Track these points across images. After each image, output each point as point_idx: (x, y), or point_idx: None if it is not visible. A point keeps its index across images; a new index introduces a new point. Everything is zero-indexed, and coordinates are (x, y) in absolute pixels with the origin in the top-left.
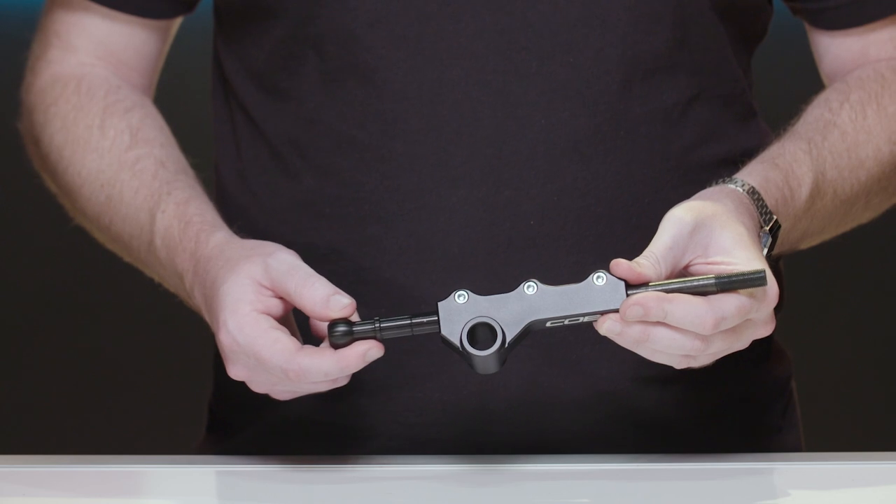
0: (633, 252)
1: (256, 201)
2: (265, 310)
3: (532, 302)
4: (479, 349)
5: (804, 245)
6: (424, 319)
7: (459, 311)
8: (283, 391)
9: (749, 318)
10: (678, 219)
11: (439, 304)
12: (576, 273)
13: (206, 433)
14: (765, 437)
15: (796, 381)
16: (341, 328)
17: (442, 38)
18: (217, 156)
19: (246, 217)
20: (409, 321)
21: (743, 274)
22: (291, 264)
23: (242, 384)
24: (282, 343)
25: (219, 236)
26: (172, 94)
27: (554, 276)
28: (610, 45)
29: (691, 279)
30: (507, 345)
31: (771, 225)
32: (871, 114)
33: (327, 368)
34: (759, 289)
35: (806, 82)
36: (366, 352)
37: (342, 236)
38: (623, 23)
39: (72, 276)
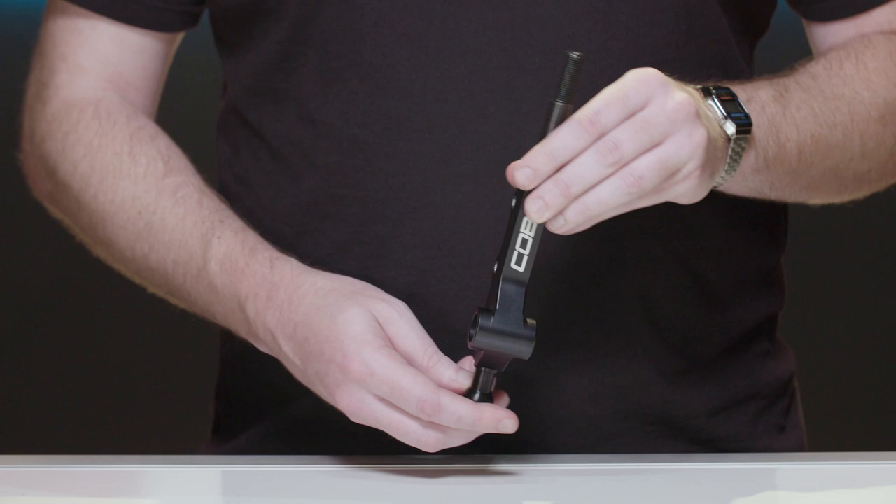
0: (634, 248)
1: (259, 204)
2: (387, 346)
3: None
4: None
5: (804, 166)
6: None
7: (499, 324)
8: (386, 425)
9: (660, 117)
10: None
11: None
12: (580, 266)
13: (212, 435)
14: (769, 437)
15: (799, 381)
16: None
17: (445, 36)
18: (218, 159)
19: (249, 220)
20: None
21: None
22: (413, 327)
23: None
24: (423, 378)
25: (297, 264)
26: (169, 97)
27: (558, 271)
28: (613, 38)
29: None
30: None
31: (725, 94)
32: (848, 66)
33: (462, 414)
34: (634, 74)
35: None
36: (501, 419)
37: (347, 236)
38: (626, 15)
39: (72, 275)
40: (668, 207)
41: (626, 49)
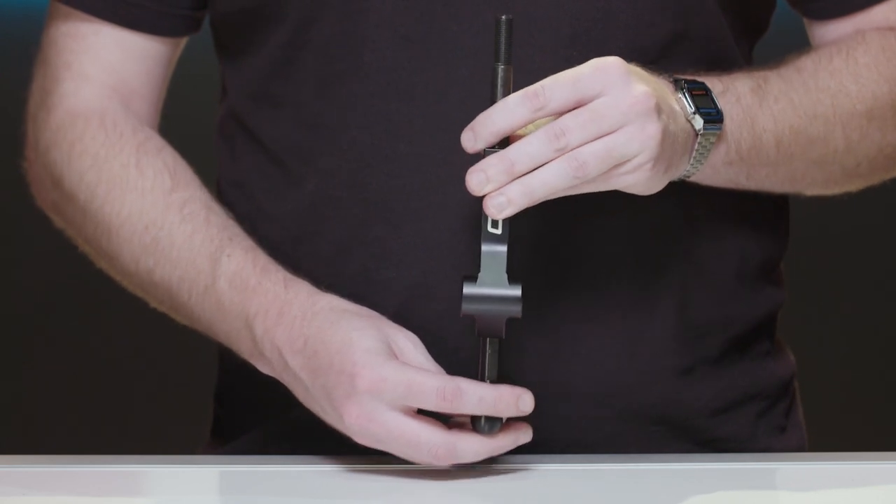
0: (637, 246)
1: (259, 209)
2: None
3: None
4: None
5: (783, 158)
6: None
7: (483, 286)
8: (397, 437)
9: (612, 109)
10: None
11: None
12: (582, 265)
13: (211, 437)
14: (770, 437)
15: (799, 381)
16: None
17: (446, 38)
18: (217, 164)
19: (249, 225)
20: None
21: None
22: (427, 358)
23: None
24: (438, 373)
25: (311, 286)
26: (167, 101)
27: (559, 269)
28: (612, 37)
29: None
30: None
31: (691, 87)
32: (837, 60)
33: (483, 394)
34: (594, 61)
35: None
36: (520, 395)
37: (347, 238)
38: (625, 15)
39: (72, 276)
40: (672, 205)
41: (625, 49)
